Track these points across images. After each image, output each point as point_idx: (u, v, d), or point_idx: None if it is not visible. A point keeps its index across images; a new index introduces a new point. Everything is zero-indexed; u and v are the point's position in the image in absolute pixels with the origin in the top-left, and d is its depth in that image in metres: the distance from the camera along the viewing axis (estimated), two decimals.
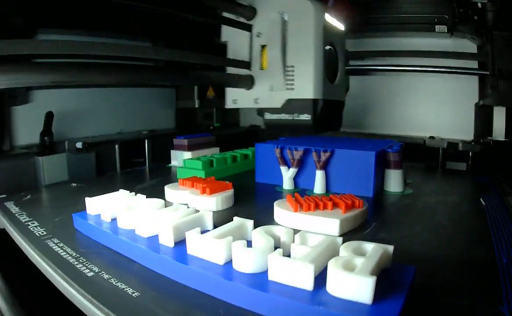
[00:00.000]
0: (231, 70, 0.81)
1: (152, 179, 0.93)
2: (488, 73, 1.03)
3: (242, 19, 0.79)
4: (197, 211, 0.50)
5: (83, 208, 0.58)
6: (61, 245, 0.50)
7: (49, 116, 0.94)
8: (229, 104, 0.83)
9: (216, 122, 1.43)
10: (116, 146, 1.07)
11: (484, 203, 0.68)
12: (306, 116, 0.74)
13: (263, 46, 0.78)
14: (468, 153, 1.07)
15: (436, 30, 1.08)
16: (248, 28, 0.79)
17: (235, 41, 0.82)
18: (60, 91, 1.08)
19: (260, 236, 0.40)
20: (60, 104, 1.05)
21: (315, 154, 0.73)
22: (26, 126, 0.99)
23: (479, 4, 1.00)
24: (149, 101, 1.37)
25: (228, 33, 0.83)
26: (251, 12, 0.77)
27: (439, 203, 0.69)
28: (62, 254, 0.47)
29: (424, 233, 0.53)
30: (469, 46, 1.11)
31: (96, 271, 0.43)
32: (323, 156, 0.73)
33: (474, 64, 1.10)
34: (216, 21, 0.78)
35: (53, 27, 0.97)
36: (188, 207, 0.58)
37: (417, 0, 1.10)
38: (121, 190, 0.62)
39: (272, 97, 0.77)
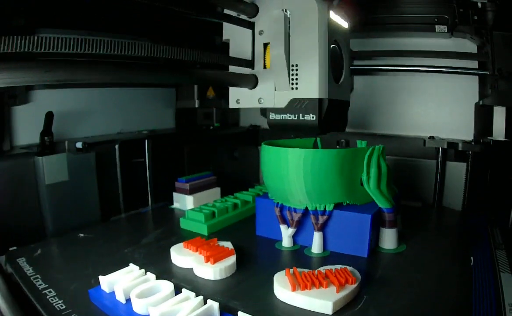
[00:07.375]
0: (233, 69, 0.78)
1: (156, 228, 0.94)
2: (488, 73, 1.03)
3: (243, 17, 0.75)
4: (205, 302, 0.54)
5: (94, 271, 0.64)
6: None
7: (49, 116, 0.94)
8: (232, 104, 0.79)
9: (216, 122, 1.43)
10: (116, 146, 1.07)
11: (472, 263, 0.69)
12: (311, 117, 0.71)
13: (265, 45, 0.75)
14: (468, 153, 1.07)
15: (436, 30, 1.08)
16: (251, 26, 0.75)
17: (237, 39, 0.78)
18: (60, 91, 1.08)
19: None
20: (60, 104, 1.05)
21: (313, 217, 0.76)
22: (26, 126, 0.99)
23: (479, 4, 1.00)
24: (149, 101, 1.37)
25: (229, 31, 0.79)
26: (253, 9, 0.74)
27: (428, 265, 0.71)
28: None
29: (408, 309, 0.56)
30: (469, 46, 1.11)
31: None
32: (321, 219, 0.75)
33: (474, 64, 1.10)
34: (217, 18, 0.76)
35: (53, 26, 0.97)
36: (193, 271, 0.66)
37: (417, 0, 1.10)
38: (131, 265, 0.65)
39: (276, 97, 0.75)
